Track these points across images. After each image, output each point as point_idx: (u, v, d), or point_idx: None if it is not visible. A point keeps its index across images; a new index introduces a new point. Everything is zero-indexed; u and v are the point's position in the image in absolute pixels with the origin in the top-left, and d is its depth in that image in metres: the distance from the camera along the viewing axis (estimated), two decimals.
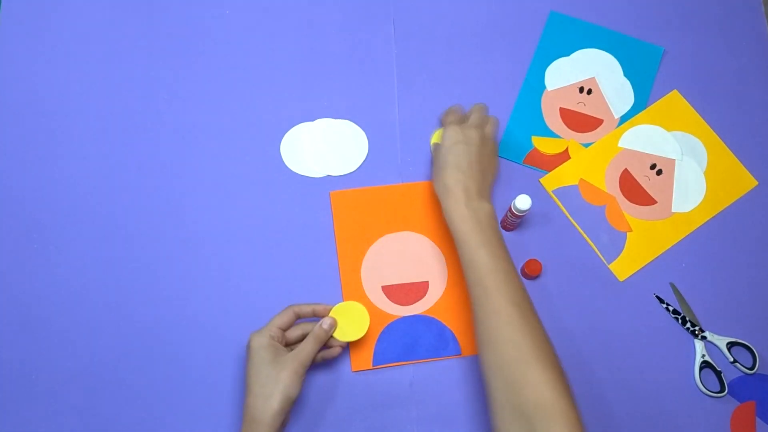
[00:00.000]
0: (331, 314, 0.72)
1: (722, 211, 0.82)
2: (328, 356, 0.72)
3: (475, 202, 0.69)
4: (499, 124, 0.82)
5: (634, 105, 0.86)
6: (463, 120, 0.78)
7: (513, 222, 0.78)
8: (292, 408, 0.67)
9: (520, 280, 0.67)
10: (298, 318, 0.71)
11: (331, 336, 0.71)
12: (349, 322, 0.72)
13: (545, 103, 0.86)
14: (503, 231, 0.80)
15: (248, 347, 0.67)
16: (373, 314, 0.76)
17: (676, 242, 0.81)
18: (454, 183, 0.70)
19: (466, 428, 0.74)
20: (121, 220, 0.79)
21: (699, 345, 0.77)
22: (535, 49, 0.88)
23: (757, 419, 0.75)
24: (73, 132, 0.82)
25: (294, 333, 0.71)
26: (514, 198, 0.73)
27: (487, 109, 0.81)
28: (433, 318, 0.77)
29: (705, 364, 0.76)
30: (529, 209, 0.73)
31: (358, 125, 0.84)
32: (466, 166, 0.71)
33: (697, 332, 0.78)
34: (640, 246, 0.81)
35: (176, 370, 0.75)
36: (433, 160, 0.77)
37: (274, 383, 0.65)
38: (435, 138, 0.82)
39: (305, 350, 0.67)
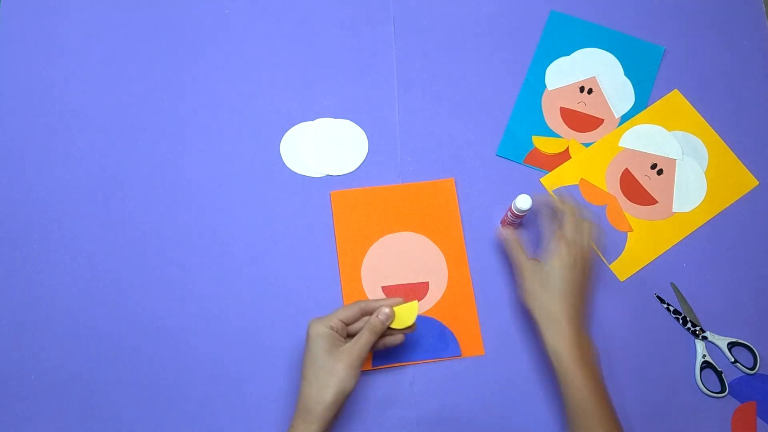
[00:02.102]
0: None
1: (723, 211, 0.82)
2: (389, 343, 0.70)
3: (581, 339, 0.67)
4: (602, 231, 0.79)
5: (634, 104, 0.86)
6: (572, 220, 0.72)
7: (513, 222, 0.78)
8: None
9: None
10: (364, 314, 0.69)
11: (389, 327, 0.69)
12: (406, 313, 0.70)
13: (546, 102, 0.86)
14: (508, 228, 0.80)
15: (307, 334, 0.66)
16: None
17: (676, 242, 0.81)
18: (561, 314, 0.67)
19: (466, 428, 0.74)
20: (120, 219, 0.79)
21: (700, 345, 0.77)
22: (535, 49, 0.88)
23: (758, 419, 0.75)
24: (73, 132, 0.82)
25: (358, 326, 0.69)
26: (515, 198, 0.73)
27: (588, 212, 0.77)
28: (433, 319, 0.77)
29: (706, 365, 0.76)
30: (529, 209, 0.73)
31: (358, 125, 0.84)
32: (572, 295, 0.68)
33: (697, 332, 0.77)
34: (641, 246, 0.80)
35: (175, 370, 0.75)
36: (526, 270, 0.71)
37: (329, 374, 0.64)
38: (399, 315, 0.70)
39: (360, 342, 0.66)
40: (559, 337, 0.66)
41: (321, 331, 0.66)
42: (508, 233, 0.76)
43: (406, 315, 0.70)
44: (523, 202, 0.72)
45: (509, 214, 0.76)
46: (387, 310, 0.68)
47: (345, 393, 0.64)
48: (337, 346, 0.66)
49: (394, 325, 0.69)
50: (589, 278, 0.72)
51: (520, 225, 0.80)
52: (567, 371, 0.66)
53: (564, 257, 0.69)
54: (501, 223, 0.80)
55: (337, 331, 0.67)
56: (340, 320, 0.67)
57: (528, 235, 0.80)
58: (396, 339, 0.70)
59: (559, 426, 0.74)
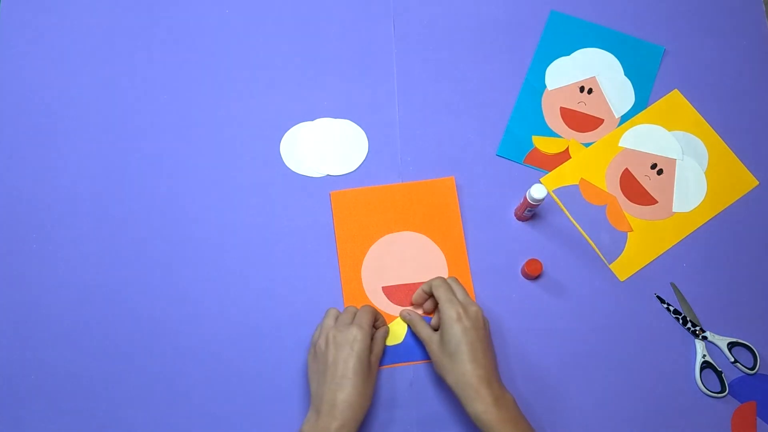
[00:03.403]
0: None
1: (723, 211, 0.82)
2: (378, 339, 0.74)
3: (500, 399, 0.66)
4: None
5: (634, 104, 0.86)
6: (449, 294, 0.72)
7: (529, 212, 0.78)
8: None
9: None
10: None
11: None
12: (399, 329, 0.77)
13: (546, 102, 0.86)
14: (517, 221, 0.80)
15: (355, 337, 0.68)
16: None
17: (676, 242, 0.81)
18: (477, 382, 0.66)
19: (465, 428, 0.74)
20: (120, 219, 0.79)
21: (700, 345, 0.77)
22: (535, 49, 0.87)
23: (758, 419, 0.75)
24: (72, 131, 0.82)
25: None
26: (529, 188, 0.73)
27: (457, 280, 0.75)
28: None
29: (706, 365, 0.76)
30: (545, 198, 0.73)
31: (358, 125, 0.84)
32: (482, 356, 0.67)
33: (697, 332, 0.77)
34: (641, 246, 0.80)
35: (175, 370, 0.75)
36: (432, 343, 0.71)
37: (369, 387, 0.68)
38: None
39: (378, 359, 0.71)
40: (478, 404, 0.65)
41: (367, 338, 0.69)
42: (408, 312, 0.76)
43: (398, 331, 0.76)
44: (537, 191, 0.72)
45: (526, 207, 0.76)
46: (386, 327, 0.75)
47: (370, 401, 0.68)
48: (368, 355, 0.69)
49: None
50: (487, 333, 0.71)
51: (534, 215, 0.80)
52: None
53: (461, 319, 0.68)
54: (515, 214, 0.80)
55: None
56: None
57: (528, 235, 0.80)
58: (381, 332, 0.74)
59: (558, 426, 0.74)
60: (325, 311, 0.74)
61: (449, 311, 0.69)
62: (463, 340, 0.67)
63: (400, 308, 0.77)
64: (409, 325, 0.76)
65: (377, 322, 0.74)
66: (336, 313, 0.73)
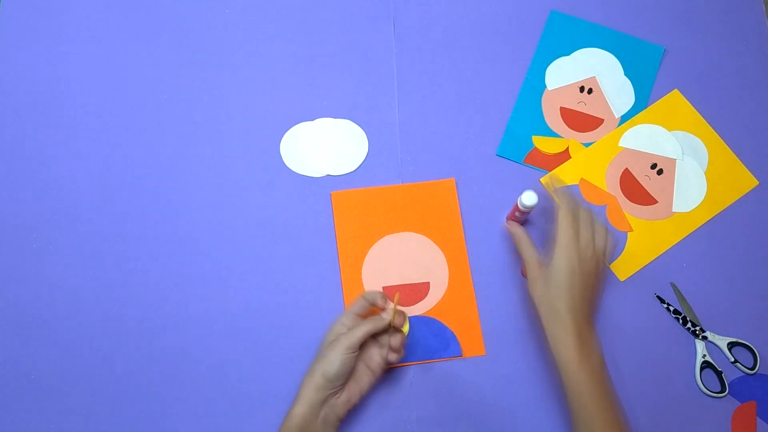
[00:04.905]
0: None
1: (723, 210, 0.82)
2: (393, 345, 0.71)
3: (587, 342, 0.67)
4: (614, 238, 0.77)
5: (634, 104, 0.86)
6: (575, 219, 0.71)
7: (519, 219, 0.77)
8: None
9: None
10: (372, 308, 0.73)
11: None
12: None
13: (546, 102, 0.86)
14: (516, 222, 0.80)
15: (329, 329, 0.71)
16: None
17: (676, 242, 0.81)
18: (566, 311, 0.67)
19: (466, 428, 0.74)
20: (120, 219, 0.79)
21: (700, 345, 0.77)
22: (535, 49, 0.87)
23: (758, 419, 0.75)
24: (73, 131, 0.82)
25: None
26: (520, 194, 0.73)
27: (598, 216, 0.74)
28: (434, 319, 0.77)
29: (706, 364, 0.76)
30: (535, 205, 0.73)
31: (358, 125, 0.84)
32: (580, 298, 0.68)
33: (697, 332, 0.78)
34: (641, 246, 0.80)
35: (175, 369, 0.75)
36: (534, 266, 0.71)
37: (318, 361, 0.68)
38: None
39: (355, 331, 0.68)
40: (560, 331, 0.67)
41: (337, 327, 0.71)
42: (516, 228, 0.76)
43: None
44: (528, 198, 0.72)
45: (516, 212, 0.76)
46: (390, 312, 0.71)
47: (325, 376, 0.66)
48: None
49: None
50: (597, 278, 0.71)
51: (526, 221, 0.80)
52: (570, 373, 0.66)
53: (572, 263, 0.68)
54: (507, 219, 0.80)
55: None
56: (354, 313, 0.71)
57: (534, 234, 0.80)
58: (396, 340, 0.70)
59: (560, 426, 0.74)
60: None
61: (563, 255, 0.68)
62: (566, 277, 0.68)
63: (401, 308, 0.77)
64: (514, 241, 0.75)
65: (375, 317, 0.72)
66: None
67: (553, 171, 0.83)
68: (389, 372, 0.76)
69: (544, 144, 0.84)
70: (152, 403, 0.74)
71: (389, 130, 0.84)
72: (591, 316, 0.70)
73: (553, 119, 0.85)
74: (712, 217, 0.82)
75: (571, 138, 0.85)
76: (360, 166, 0.82)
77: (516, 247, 0.75)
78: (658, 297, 0.79)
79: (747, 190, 0.83)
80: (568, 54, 0.87)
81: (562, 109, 0.85)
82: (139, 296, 0.77)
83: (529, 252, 0.73)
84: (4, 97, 0.83)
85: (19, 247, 0.78)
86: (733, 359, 0.77)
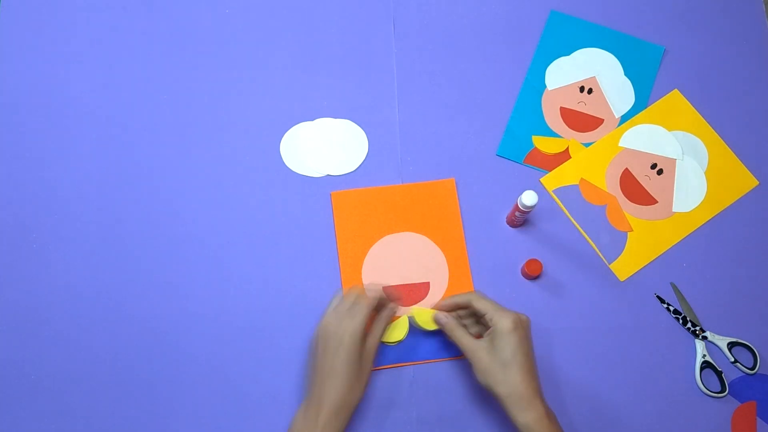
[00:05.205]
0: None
1: (723, 210, 0.82)
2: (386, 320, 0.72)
3: (549, 412, 0.65)
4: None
5: (634, 104, 0.86)
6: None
7: (519, 219, 0.77)
8: None
9: None
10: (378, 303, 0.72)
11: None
12: (398, 328, 0.76)
13: (546, 102, 0.86)
14: (509, 227, 0.80)
15: (337, 332, 0.67)
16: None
17: (676, 242, 0.81)
18: (529, 390, 0.64)
19: (466, 428, 0.74)
20: (120, 219, 0.79)
21: (700, 345, 0.77)
22: (535, 49, 0.87)
23: (758, 419, 0.75)
24: (73, 131, 0.82)
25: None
26: (520, 194, 0.73)
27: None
28: None
29: (706, 364, 0.76)
30: (535, 205, 0.72)
31: (358, 125, 0.84)
32: (534, 368, 0.66)
33: (697, 332, 0.78)
34: (641, 246, 0.80)
35: (175, 369, 0.75)
36: (480, 350, 0.67)
37: (359, 379, 0.67)
38: (420, 317, 0.73)
39: (374, 350, 0.69)
40: (532, 415, 0.64)
41: (359, 330, 0.67)
42: (444, 316, 0.72)
43: (398, 329, 0.75)
44: (528, 198, 0.72)
45: (515, 211, 0.76)
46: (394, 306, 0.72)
47: (352, 406, 0.66)
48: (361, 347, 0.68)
49: (383, 339, 0.73)
50: (532, 346, 0.69)
51: (526, 221, 0.80)
52: None
53: (513, 320, 0.66)
54: (507, 220, 0.80)
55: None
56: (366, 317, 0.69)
57: (529, 235, 0.80)
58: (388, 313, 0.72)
59: None
60: (334, 293, 0.73)
61: (504, 320, 0.66)
62: (520, 351, 0.65)
63: (401, 309, 0.77)
64: (446, 332, 0.71)
65: (383, 309, 0.72)
66: (341, 297, 0.72)
67: (553, 171, 0.83)
68: (389, 372, 0.76)
69: (544, 144, 0.84)
70: (152, 403, 0.74)
71: (389, 130, 0.84)
72: (540, 386, 0.67)
73: (553, 119, 0.85)
74: (712, 217, 0.82)
75: (571, 138, 0.85)
76: (360, 166, 0.82)
77: (449, 336, 0.71)
78: (658, 297, 0.79)
79: (747, 190, 0.83)
80: (568, 54, 0.87)
81: (562, 109, 0.85)
82: (139, 296, 0.77)
83: (465, 338, 0.69)
84: (4, 97, 0.83)
85: (19, 247, 0.78)
86: (733, 359, 0.77)
